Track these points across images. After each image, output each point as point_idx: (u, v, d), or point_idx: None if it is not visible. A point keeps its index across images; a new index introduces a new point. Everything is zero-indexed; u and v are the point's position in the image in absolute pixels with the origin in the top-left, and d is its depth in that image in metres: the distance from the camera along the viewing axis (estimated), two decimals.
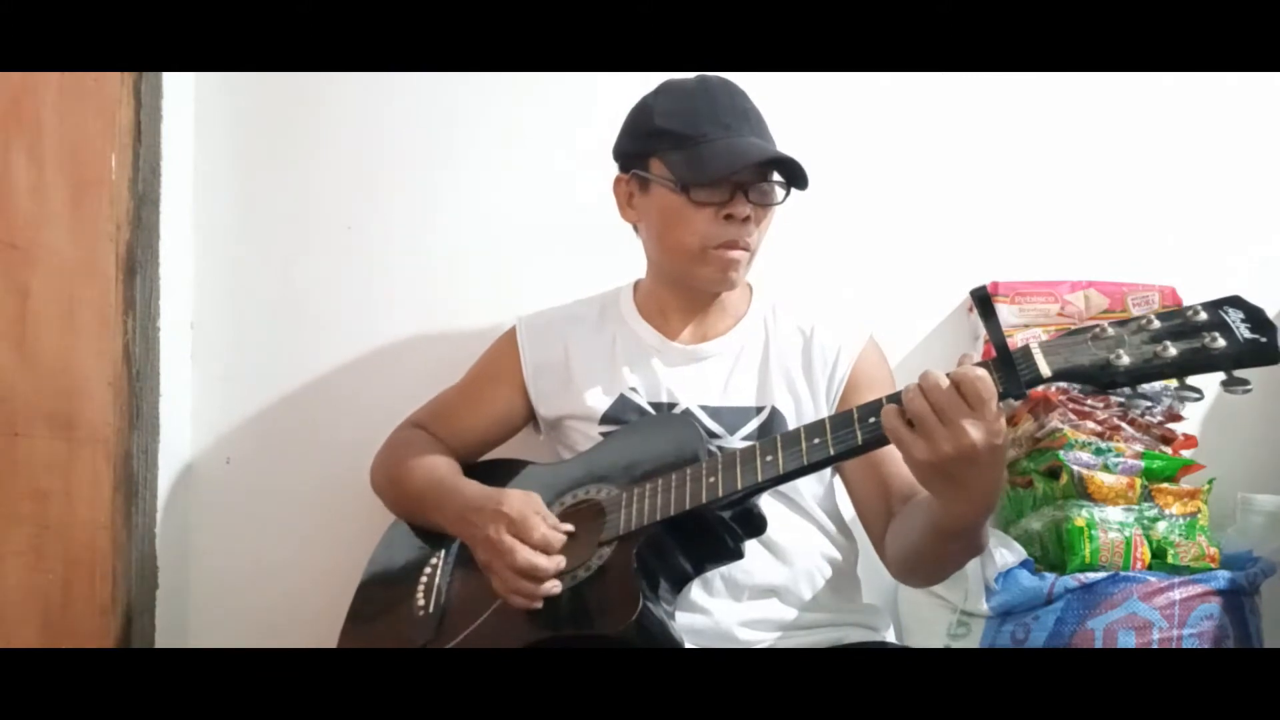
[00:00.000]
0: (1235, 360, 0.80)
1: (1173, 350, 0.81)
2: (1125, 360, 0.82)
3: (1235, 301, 0.84)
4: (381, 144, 1.59)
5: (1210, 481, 1.40)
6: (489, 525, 1.06)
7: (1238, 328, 0.81)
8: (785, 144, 1.19)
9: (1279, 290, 1.53)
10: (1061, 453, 1.37)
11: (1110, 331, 0.85)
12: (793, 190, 1.18)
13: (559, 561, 1.04)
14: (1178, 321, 0.83)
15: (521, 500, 1.08)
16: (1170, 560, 1.32)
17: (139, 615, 1.41)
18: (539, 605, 1.03)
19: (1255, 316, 0.82)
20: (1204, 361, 0.81)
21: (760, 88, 1.22)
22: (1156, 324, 0.84)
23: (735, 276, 1.20)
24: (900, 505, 1.12)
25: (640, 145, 1.21)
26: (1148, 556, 1.33)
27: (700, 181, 1.14)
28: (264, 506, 1.56)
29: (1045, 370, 0.85)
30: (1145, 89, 1.59)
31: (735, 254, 1.17)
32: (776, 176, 1.18)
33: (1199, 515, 1.37)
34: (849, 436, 0.94)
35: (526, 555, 1.03)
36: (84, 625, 1.30)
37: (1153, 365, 0.82)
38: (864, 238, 1.58)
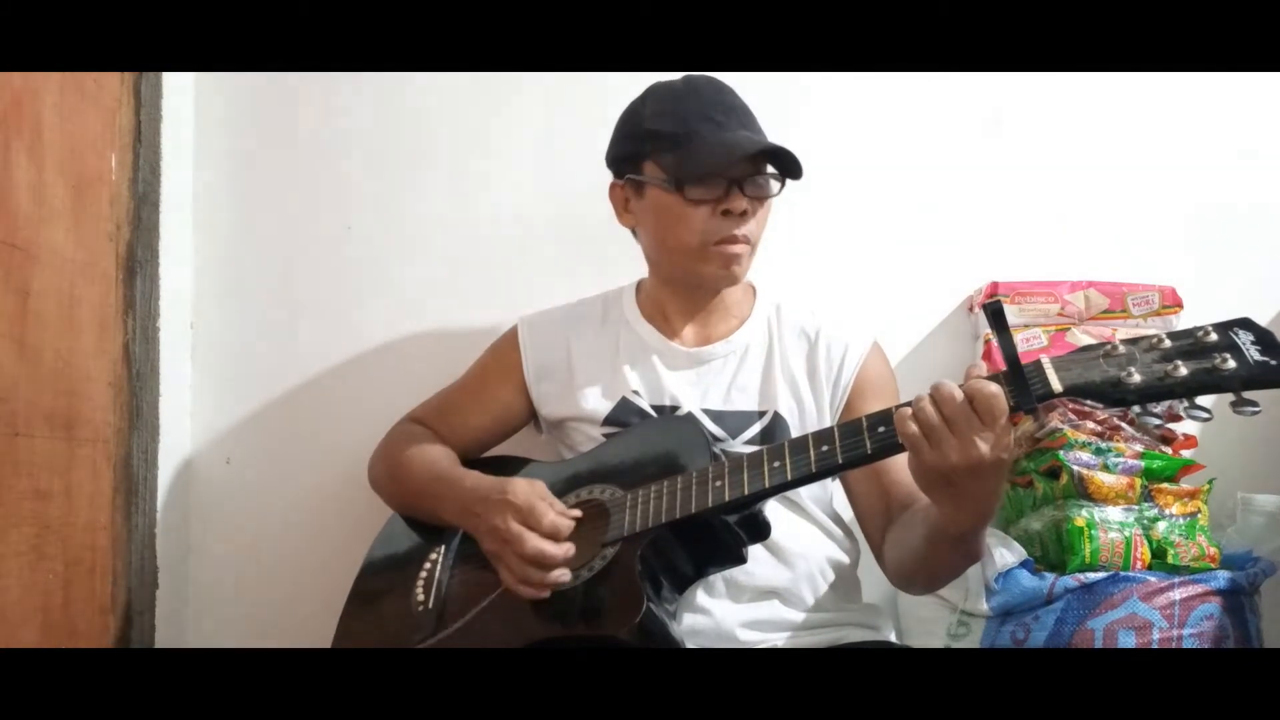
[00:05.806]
0: (1245, 382, 0.80)
1: (1183, 370, 0.82)
2: (1136, 378, 0.83)
3: (1245, 323, 0.84)
4: (381, 144, 1.59)
5: (1210, 481, 1.40)
6: (495, 515, 1.06)
7: (1248, 350, 0.81)
8: (787, 144, 1.19)
9: (1278, 291, 1.54)
10: (1061, 453, 1.37)
11: (1122, 349, 0.85)
12: (788, 181, 1.18)
13: (568, 549, 1.03)
14: (1189, 341, 0.84)
15: (527, 488, 1.08)
16: (1170, 560, 1.32)
17: (139, 615, 1.41)
18: (546, 595, 1.03)
19: (1265, 339, 0.83)
20: (1214, 382, 0.81)
21: (761, 88, 1.22)
22: (1168, 343, 0.84)
23: (738, 270, 1.20)
24: (900, 512, 1.12)
25: (632, 149, 1.21)
26: (1148, 556, 1.33)
27: (695, 178, 1.14)
28: (264, 506, 1.56)
29: (1056, 385, 0.85)
30: (1145, 89, 1.59)
31: (736, 248, 1.17)
32: (770, 169, 1.18)
33: (1199, 515, 1.37)
34: (858, 445, 0.95)
35: (535, 543, 1.02)
36: (84, 625, 1.30)
37: (1164, 384, 0.82)
38: (864, 237, 1.58)
